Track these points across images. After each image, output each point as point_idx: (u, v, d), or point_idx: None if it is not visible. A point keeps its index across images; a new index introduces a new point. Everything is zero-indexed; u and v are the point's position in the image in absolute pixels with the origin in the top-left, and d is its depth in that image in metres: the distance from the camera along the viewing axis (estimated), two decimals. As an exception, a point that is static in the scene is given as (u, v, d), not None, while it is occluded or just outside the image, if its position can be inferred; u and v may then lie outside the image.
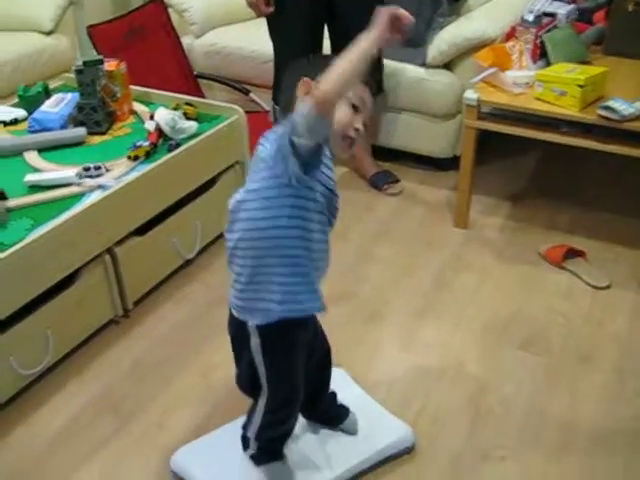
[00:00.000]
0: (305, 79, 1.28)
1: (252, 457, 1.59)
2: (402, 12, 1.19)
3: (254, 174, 1.30)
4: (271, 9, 2.43)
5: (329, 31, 2.65)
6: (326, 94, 1.15)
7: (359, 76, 1.20)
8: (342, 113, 1.29)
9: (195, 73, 3.12)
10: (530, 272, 2.35)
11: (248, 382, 1.49)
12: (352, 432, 1.71)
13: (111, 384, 1.94)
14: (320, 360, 1.60)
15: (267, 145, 1.29)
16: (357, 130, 1.32)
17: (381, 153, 2.97)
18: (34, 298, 1.84)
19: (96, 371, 1.99)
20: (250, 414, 1.54)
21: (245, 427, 1.58)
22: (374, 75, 2.72)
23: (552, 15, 2.62)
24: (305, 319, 1.41)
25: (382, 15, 1.17)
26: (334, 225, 1.40)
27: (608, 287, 2.26)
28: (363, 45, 1.17)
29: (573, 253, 2.36)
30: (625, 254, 2.41)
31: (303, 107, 1.18)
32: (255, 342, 1.39)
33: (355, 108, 1.31)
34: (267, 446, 1.58)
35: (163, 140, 2.25)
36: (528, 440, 1.74)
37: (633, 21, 2.63)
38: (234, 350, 1.49)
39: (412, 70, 2.78)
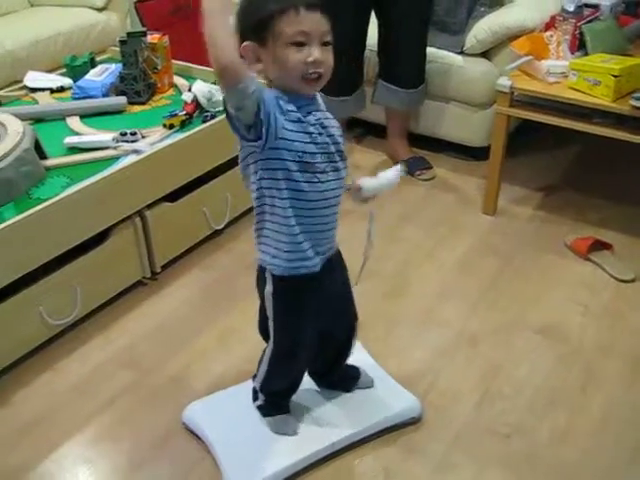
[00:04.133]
0: (244, 45, 1.26)
1: (259, 407, 1.66)
2: None
3: None
4: None
5: (378, 19, 2.69)
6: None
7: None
8: (286, 60, 1.25)
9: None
10: (554, 261, 2.35)
11: (263, 328, 1.55)
12: (369, 386, 1.77)
13: (133, 341, 2.02)
14: (341, 333, 1.65)
15: None
16: (314, 63, 1.26)
17: (416, 140, 3.00)
18: (65, 252, 1.92)
19: (120, 328, 2.07)
20: (259, 364, 1.60)
21: (254, 377, 1.64)
22: (418, 63, 2.77)
23: (595, 7, 2.60)
24: (312, 280, 1.42)
25: None
26: (342, 170, 1.39)
27: (633, 281, 2.24)
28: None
29: (600, 245, 2.35)
30: (652, 250, 2.39)
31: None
32: (268, 289, 1.45)
33: (299, 44, 1.25)
34: (273, 399, 1.64)
35: (199, 112, 2.32)
36: (535, 421, 1.75)
37: (679, 17, 2.60)
38: (259, 296, 1.53)
39: (450, 57, 2.79)
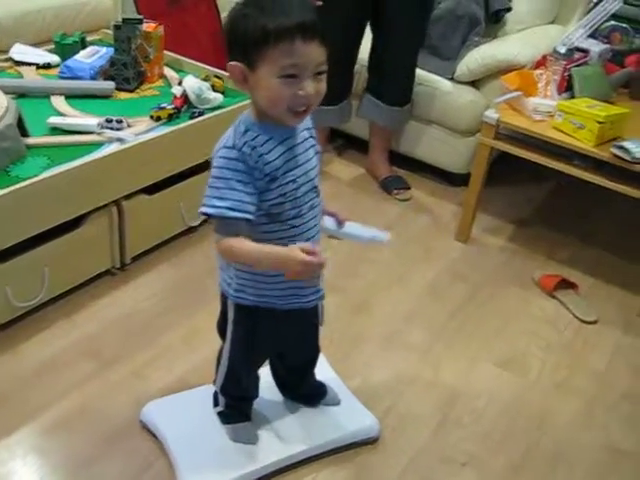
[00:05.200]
0: (232, 64, 1.21)
1: (219, 414, 1.65)
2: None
3: None
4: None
5: (372, 31, 2.70)
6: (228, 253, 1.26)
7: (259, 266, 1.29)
8: (275, 91, 1.19)
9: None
10: (521, 295, 2.39)
11: (221, 328, 1.55)
12: (336, 403, 1.77)
13: (97, 331, 1.99)
14: (301, 362, 1.68)
15: None
16: (304, 97, 1.19)
17: (397, 159, 3.02)
18: (37, 234, 1.89)
19: (85, 316, 2.04)
20: (217, 366, 1.59)
21: (215, 381, 1.63)
22: (405, 84, 2.80)
23: (585, 51, 2.66)
24: (272, 312, 1.43)
25: None
26: (316, 209, 1.37)
27: (594, 322, 2.29)
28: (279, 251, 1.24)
29: (566, 284, 2.40)
30: (617, 294, 2.44)
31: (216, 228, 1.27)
32: (230, 315, 1.46)
33: (290, 76, 1.18)
34: (234, 403, 1.63)
35: (187, 107, 2.30)
36: (490, 452, 1.78)
37: (663, 70, 2.67)
38: (221, 303, 1.54)
39: (439, 82, 2.82)
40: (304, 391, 1.76)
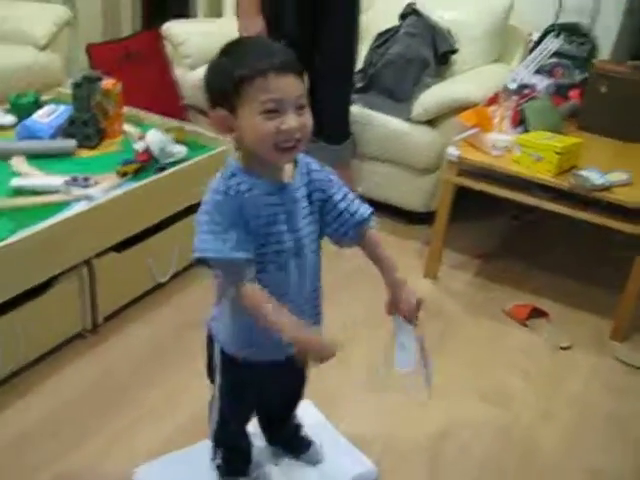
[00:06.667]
0: (213, 113, 1.22)
1: (218, 468, 1.60)
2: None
3: None
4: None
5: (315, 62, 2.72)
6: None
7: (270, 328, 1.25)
8: (258, 129, 1.18)
9: (184, 104, 3.18)
10: (494, 327, 2.41)
11: (210, 371, 1.50)
12: (314, 463, 1.72)
13: (74, 398, 1.91)
14: (290, 392, 1.64)
15: None
16: (288, 131, 1.18)
17: (357, 200, 3.04)
18: (6, 300, 1.82)
19: (60, 383, 1.96)
20: (209, 415, 1.55)
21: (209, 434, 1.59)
22: (340, 121, 2.81)
23: (532, 87, 2.77)
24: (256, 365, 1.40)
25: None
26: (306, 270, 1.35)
27: (568, 348, 2.33)
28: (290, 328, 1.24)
29: (537, 313, 2.44)
30: (587, 320, 2.49)
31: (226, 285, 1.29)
32: (216, 361, 1.43)
33: (270, 112, 1.17)
34: (229, 457, 1.59)
35: (152, 161, 2.28)
36: (485, 486, 1.78)
37: (605, 101, 2.79)
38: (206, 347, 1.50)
39: (396, 123, 2.87)
40: (287, 435, 1.72)
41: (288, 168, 1.30)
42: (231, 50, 1.22)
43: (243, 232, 1.22)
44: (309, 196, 1.32)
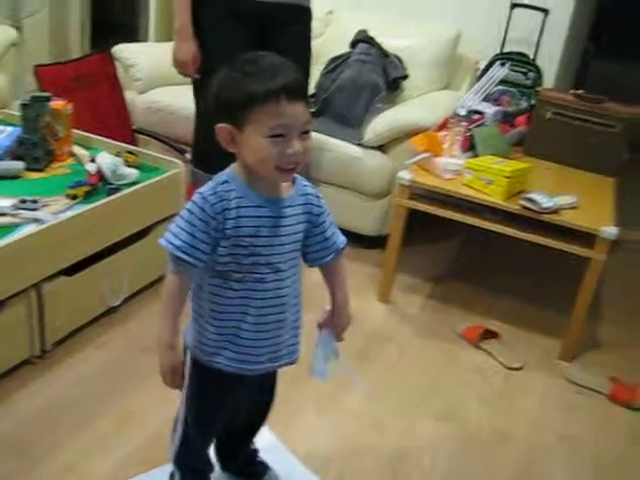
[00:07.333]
0: (220, 126, 1.24)
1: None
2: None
3: None
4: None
5: None
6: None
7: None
8: (263, 151, 1.21)
9: (134, 127, 3.14)
10: (448, 349, 2.44)
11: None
12: None
13: (21, 426, 1.84)
14: (256, 410, 1.62)
15: None
16: (293, 155, 1.21)
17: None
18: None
19: (5, 411, 1.88)
20: (172, 433, 1.51)
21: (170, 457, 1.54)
22: None
23: (480, 113, 2.84)
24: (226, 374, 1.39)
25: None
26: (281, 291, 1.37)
27: (520, 368, 2.37)
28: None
29: (489, 334, 2.47)
30: (536, 339, 2.55)
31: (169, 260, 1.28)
32: (187, 357, 1.41)
33: (278, 136, 1.20)
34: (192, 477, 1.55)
35: (103, 184, 2.24)
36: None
37: (550, 127, 2.89)
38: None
39: (348, 148, 2.90)
40: (243, 460, 1.69)
41: (285, 185, 1.33)
42: (244, 67, 1.23)
43: (204, 238, 1.26)
44: (300, 216, 1.36)
